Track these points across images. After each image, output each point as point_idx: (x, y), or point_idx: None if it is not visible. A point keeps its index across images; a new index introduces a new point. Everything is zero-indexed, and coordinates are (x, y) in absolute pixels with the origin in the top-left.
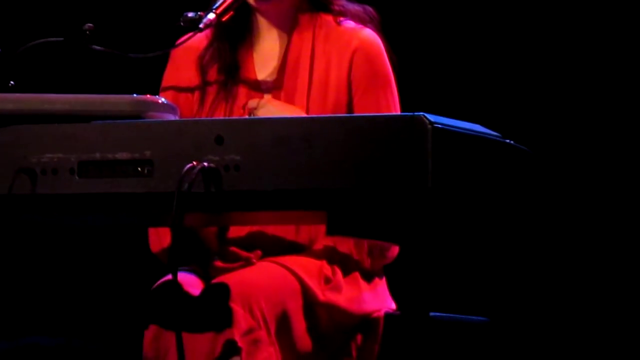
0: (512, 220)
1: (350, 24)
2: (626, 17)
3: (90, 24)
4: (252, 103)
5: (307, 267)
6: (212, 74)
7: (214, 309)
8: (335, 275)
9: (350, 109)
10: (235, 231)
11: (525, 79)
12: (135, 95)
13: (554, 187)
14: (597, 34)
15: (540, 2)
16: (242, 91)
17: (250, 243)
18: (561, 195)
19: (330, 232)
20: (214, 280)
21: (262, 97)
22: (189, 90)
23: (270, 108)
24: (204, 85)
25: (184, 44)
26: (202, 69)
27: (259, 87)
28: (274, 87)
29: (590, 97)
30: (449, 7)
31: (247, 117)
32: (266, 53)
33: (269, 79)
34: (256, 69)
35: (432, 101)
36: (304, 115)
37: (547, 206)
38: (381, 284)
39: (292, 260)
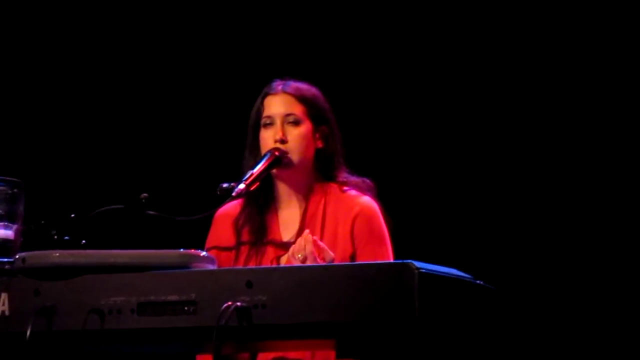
0: (481, 343)
1: (352, 192)
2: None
3: (145, 194)
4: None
5: None
6: (245, 235)
7: None
8: None
9: (353, 259)
10: (263, 356)
11: (495, 231)
12: (182, 249)
13: (514, 318)
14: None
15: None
16: (270, 249)
17: None
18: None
19: (339, 356)
20: None
21: (286, 254)
22: (227, 249)
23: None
24: (238, 245)
25: (223, 210)
26: (237, 231)
27: (284, 246)
28: None
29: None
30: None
31: (272, 265)
32: (288, 217)
33: (292, 239)
34: (281, 231)
35: (418, 248)
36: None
37: (508, 332)
38: None
39: None
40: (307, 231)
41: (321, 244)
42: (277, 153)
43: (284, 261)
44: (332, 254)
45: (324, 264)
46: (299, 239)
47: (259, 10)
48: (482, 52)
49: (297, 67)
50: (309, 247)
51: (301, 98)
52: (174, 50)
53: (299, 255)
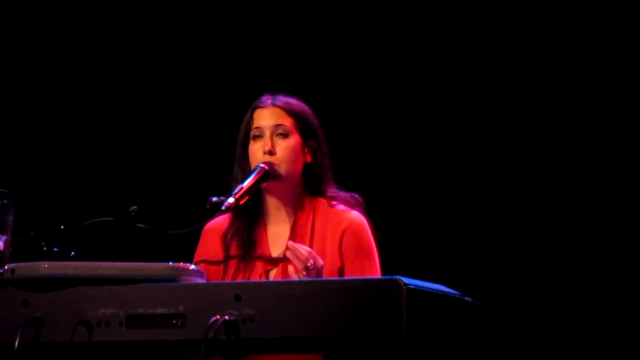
0: (468, 357)
1: (341, 206)
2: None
3: (135, 207)
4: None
5: None
6: (234, 249)
7: None
8: None
9: (341, 273)
10: None
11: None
12: (171, 263)
13: (502, 334)
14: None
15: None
16: (258, 264)
17: None
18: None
19: None
20: None
21: (276, 268)
22: (216, 263)
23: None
24: (227, 259)
25: (212, 224)
26: (226, 246)
27: (272, 261)
28: (284, 260)
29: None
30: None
31: (260, 280)
32: (277, 232)
33: (280, 254)
34: (270, 246)
35: (406, 264)
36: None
37: (496, 349)
38: None
39: None
40: (289, 242)
41: (308, 249)
42: (266, 167)
43: (272, 276)
44: (321, 261)
45: (314, 274)
46: (290, 254)
47: (248, 26)
48: (462, 74)
49: (285, 83)
50: (301, 253)
51: (290, 111)
52: (165, 65)
53: (302, 273)
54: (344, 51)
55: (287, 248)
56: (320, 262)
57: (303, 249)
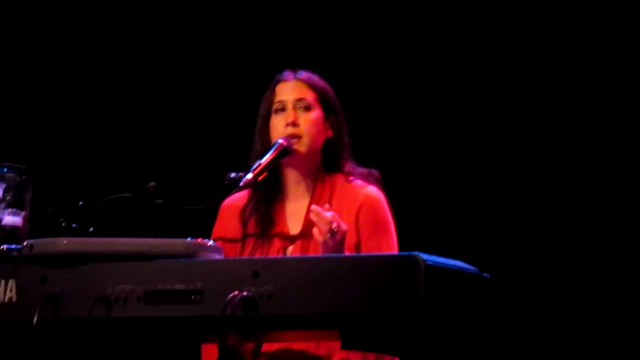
0: (487, 336)
1: (358, 182)
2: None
3: (153, 183)
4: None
5: None
6: (251, 226)
7: None
8: None
9: (358, 249)
10: (268, 346)
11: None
12: (189, 239)
13: (519, 311)
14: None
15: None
16: (276, 241)
17: (280, 356)
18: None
19: (344, 347)
20: None
21: (293, 245)
22: (233, 239)
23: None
24: (244, 236)
25: (230, 200)
26: (244, 223)
27: (290, 237)
28: (301, 236)
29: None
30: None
31: (278, 256)
32: (295, 209)
33: (298, 230)
34: (288, 223)
35: (424, 241)
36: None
37: (513, 325)
38: None
39: None
40: (313, 206)
41: (332, 213)
42: (284, 143)
43: (290, 252)
44: (345, 225)
45: (339, 236)
46: (314, 217)
47: (268, 2)
48: (485, 46)
49: (304, 59)
50: (325, 215)
51: (313, 85)
52: (185, 39)
53: (327, 235)
54: (361, 28)
55: (310, 212)
56: (344, 226)
57: (327, 213)
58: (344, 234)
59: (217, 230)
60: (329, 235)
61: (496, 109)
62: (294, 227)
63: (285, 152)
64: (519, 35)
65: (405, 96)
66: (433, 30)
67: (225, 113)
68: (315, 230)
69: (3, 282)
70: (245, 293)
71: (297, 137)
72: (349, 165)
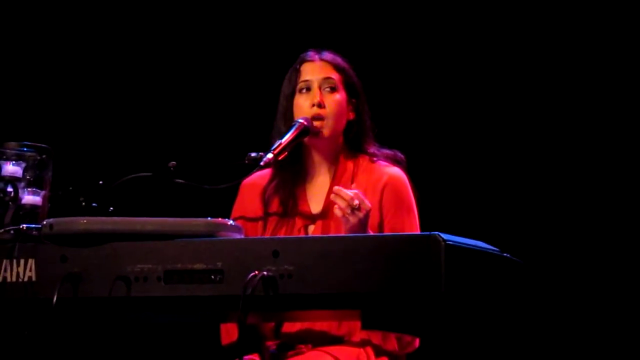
0: (507, 314)
1: (382, 162)
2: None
3: (174, 162)
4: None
5: (348, 355)
6: (273, 206)
7: None
8: None
9: (381, 228)
10: (289, 326)
11: (520, 200)
12: (209, 218)
13: (540, 291)
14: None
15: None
16: (298, 220)
17: (301, 336)
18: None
19: (364, 327)
20: None
21: (314, 225)
22: (254, 219)
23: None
24: (266, 215)
25: (250, 180)
26: (265, 202)
27: (311, 217)
28: (322, 216)
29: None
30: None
31: (299, 236)
32: (316, 188)
33: (319, 209)
34: (309, 202)
35: (446, 221)
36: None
37: (534, 305)
38: None
39: (335, 350)
40: (335, 187)
41: (355, 191)
42: (305, 123)
43: (311, 232)
44: (368, 203)
45: (363, 213)
46: (333, 196)
47: None
48: (512, 30)
49: (325, 40)
50: (345, 193)
51: (337, 67)
52: (203, 20)
53: (347, 211)
54: (384, 10)
55: (332, 192)
56: (368, 203)
57: (349, 191)
58: (368, 211)
59: (237, 209)
60: (349, 211)
61: (524, 92)
62: (315, 206)
63: (305, 131)
64: (551, 17)
65: (427, 80)
66: (459, 11)
67: (245, 92)
68: (335, 208)
69: (23, 261)
70: (265, 273)
71: (322, 118)
72: (373, 147)
